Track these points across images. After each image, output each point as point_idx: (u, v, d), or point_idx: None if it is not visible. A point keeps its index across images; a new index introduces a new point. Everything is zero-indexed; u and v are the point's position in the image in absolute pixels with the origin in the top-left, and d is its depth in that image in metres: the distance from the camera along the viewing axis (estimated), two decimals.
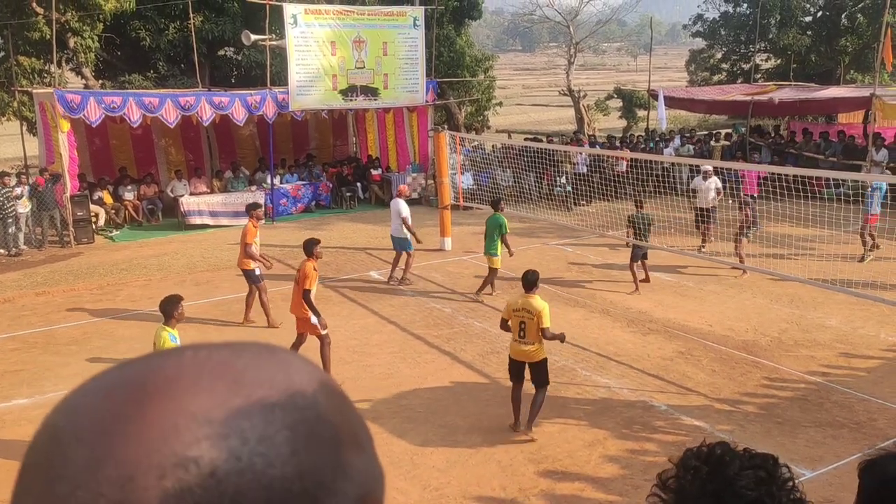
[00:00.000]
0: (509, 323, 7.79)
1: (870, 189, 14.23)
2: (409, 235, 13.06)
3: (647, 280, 12.96)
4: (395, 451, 7.49)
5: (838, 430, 7.78)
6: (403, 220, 13.01)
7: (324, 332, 9.05)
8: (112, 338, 10.85)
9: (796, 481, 1.72)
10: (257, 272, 11.02)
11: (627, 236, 13.28)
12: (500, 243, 12.19)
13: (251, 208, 11.41)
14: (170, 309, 7.04)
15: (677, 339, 10.55)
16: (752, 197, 14.64)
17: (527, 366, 7.71)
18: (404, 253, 13.22)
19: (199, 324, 11.43)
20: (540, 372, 7.69)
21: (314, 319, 9.01)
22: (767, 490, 1.63)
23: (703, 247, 14.92)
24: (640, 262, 12.76)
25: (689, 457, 1.71)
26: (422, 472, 7.11)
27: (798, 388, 8.87)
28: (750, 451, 1.73)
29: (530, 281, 7.71)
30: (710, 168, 14.90)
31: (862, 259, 14.22)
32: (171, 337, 6.91)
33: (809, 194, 14.78)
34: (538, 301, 7.57)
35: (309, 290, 8.92)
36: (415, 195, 21.09)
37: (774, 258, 14.07)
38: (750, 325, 11.03)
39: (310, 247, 9.20)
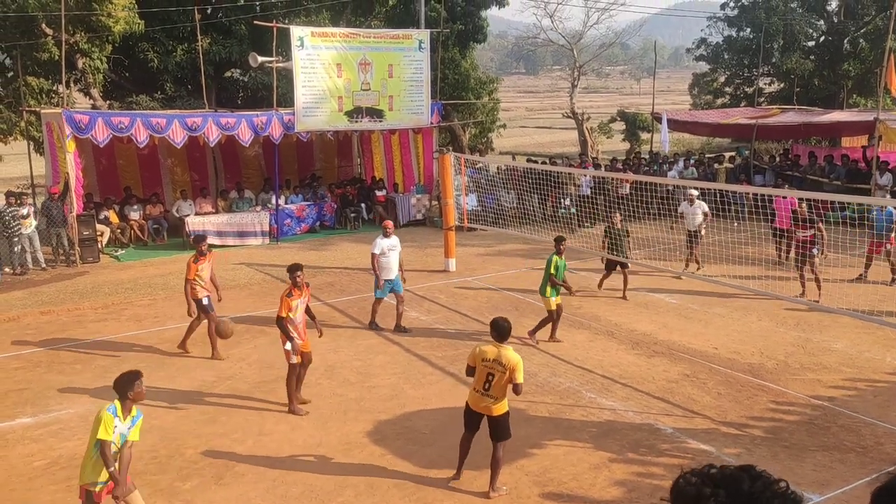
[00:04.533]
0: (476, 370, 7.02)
1: (889, 218, 14.09)
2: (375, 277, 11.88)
3: (624, 294, 13.46)
4: (400, 473, 7.45)
5: (845, 455, 7.72)
6: (371, 258, 11.87)
7: (293, 362, 8.87)
8: (116, 357, 10.84)
9: (787, 482, 1.73)
10: (205, 301, 10.71)
11: (603, 249, 13.71)
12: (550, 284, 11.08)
13: (196, 241, 11.02)
14: (124, 389, 5.93)
15: (682, 361, 10.51)
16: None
17: (485, 418, 7.02)
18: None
19: (201, 343, 11.41)
20: (501, 426, 6.96)
21: (287, 346, 8.86)
22: (783, 496, 1.64)
23: (687, 269, 14.86)
24: (621, 272, 13.43)
25: (696, 489, 1.69)
26: (426, 495, 7.07)
27: (804, 412, 8.82)
28: (728, 466, 1.74)
29: (504, 329, 6.91)
30: (694, 193, 14.89)
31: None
32: (110, 409, 5.82)
33: (814, 218, 14.80)
34: (512, 354, 6.80)
35: (280, 318, 8.82)
36: (419, 216, 21.16)
37: (780, 280, 14.03)
38: (756, 347, 10.99)
39: (289, 273, 9.13)
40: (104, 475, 5.87)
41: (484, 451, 7.79)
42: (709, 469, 1.74)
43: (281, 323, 8.82)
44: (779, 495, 1.66)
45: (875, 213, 14.27)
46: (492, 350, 6.90)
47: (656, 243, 15.98)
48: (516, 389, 6.87)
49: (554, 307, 11.19)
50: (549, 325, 11.33)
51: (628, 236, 13.64)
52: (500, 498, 6.98)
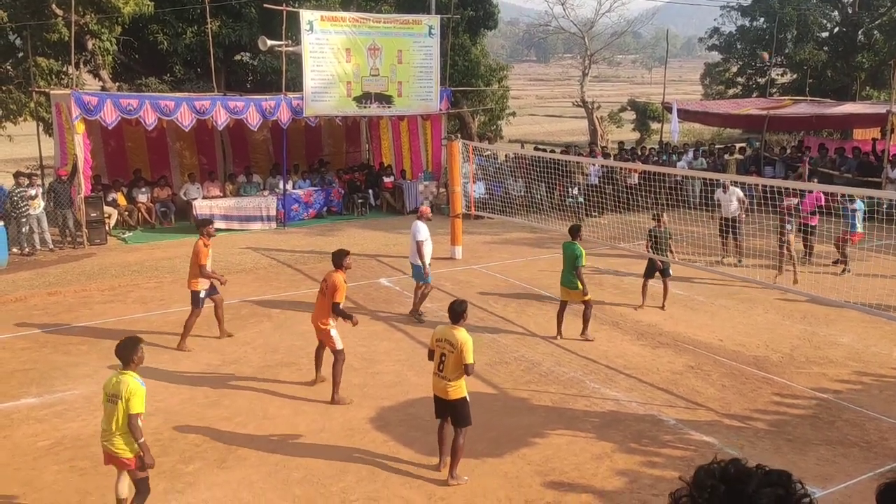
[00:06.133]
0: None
1: (850, 206, 14.26)
2: (421, 264, 11.73)
3: (662, 305, 12.29)
4: (402, 460, 7.46)
5: (849, 449, 7.69)
6: (417, 246, 11.69)
7: (339, 348, 8.84)
8: (122, 338, 10.85)
9: (812, 498, 1.69)
10: (202, 294, 10.48)
11: (647, 250, 12.56)
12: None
13: (201, 224, 10.65)
14: (129, 354, 6.25)
15: (687, 353, 10.48)
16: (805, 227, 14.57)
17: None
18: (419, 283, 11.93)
19: (206, 328, 11.45)
20: (458, 412, 7.01)
21: (333, 332, 8.85)
22: None
23: (725, 259, 14.91)
24: (662, 280, 12.23)
25: (703, 475, 1.67)
26: (427, 482, 7.08)
27: (809, 406, 8.78)
28: (763, 467, 1.70)
29: (456, 312, 7.06)
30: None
31: (843, 272, 14.29)
32: (139, 381, 6.12)
33: (824, 210, 14.73)
34: (462, 334, 6.92)
35: (339, 304, 8.74)
36: (426, 203, 21.10)
37: (787, 272, 13.95)
38: (761, 340, 10.95)
39: (339, 258, 8.97)
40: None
41: (486, 440, 7.81)
42: (733, 462, 1.71)
43: (340, 309, 8.76)
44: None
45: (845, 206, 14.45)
46: (444, 330, 7.07)
47: None
48: (466, 370, 6.92)
49: (587, 297, 10.81)
50: (560, 318, 11.09)
51: (671, 238, 12.43)
52: (460, 487, 6.96)
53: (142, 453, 6.03)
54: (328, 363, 9.04)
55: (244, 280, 14.08)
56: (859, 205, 14.24)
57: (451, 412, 7.07)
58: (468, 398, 7.09)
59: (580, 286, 10.72)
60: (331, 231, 18.62)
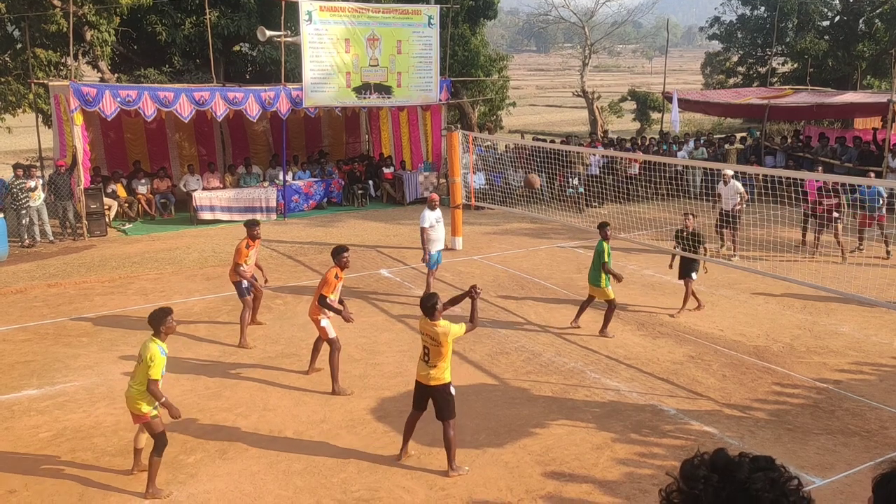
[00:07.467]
0: None
1: (877, 194, 14.77)
2: (432, 251, 11.99)
3: (681, 309, 11.65)
4: None
5: (849, 438, 7.70)
6: (421, 232, 12.01)
7: (331, 336, 8.89)
8: (122, 331, 10.87)
9: (799, 480, 1.70)
10: (244, 284, 10.48)
11: (672, 259, 12.00)
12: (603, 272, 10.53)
13: (248, 225, 10.60)
14: (156, 324, 6.73)
15: (688, 343, 10.48)
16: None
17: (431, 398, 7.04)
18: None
19: (208, 321, 11.46)
20: (441, 400, 6.96)
21: (324, 322, 8.89)
22: (782, 491, 1.61)
23: (723, 248, 14.95)
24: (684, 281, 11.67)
25: (692, 467, 1.68)
26: (428, 472, 7.09)
27: (809, 395, 8.79)
28: (747, 454, 1.71)
29: (426, 307, 6.91)
30: (729, 172, 14.79)
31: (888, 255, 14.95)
32: (161, 350, 6.63)
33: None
34: (440, 326, 6.83)
35: (325, 297, 8.77)
36: (426, 194, 21.07)
37: (787, 263, 13.95)
38: (762, 330, 10.95)
39: (334, 253, 9.05)
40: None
41: (486, 430, 7.83)
42: (717, 453, 1.72)
43: (325, 302, 8.77)
44: (780, 491, 1.63)
45: (864, 190, 14.80)
46: (423, 325, 7.01)
47: (664, 224, 15.87)
48: (472, 322, 7.08)
49: (613, 296, 10.63)
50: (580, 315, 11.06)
51: (701, 241, 11.59)
52: (461, 477, 6.97)
53: (164, 411, 6.68)
54: (325, 355, 9.05)
55: None
56: (882, 190, 14.72)
57: (436, 401, 7.02)
58: (452, 389, 7.05)
59: (603, 283, 10.58)
60: (331, 222, 18.61)
